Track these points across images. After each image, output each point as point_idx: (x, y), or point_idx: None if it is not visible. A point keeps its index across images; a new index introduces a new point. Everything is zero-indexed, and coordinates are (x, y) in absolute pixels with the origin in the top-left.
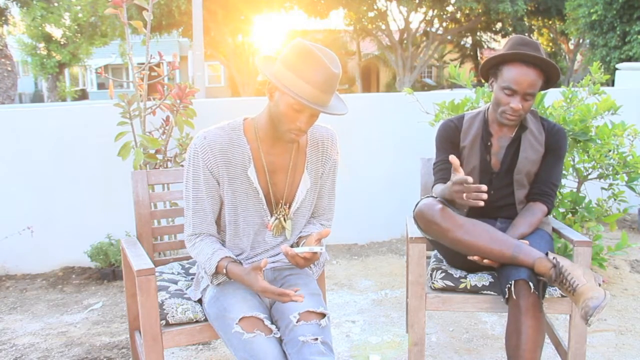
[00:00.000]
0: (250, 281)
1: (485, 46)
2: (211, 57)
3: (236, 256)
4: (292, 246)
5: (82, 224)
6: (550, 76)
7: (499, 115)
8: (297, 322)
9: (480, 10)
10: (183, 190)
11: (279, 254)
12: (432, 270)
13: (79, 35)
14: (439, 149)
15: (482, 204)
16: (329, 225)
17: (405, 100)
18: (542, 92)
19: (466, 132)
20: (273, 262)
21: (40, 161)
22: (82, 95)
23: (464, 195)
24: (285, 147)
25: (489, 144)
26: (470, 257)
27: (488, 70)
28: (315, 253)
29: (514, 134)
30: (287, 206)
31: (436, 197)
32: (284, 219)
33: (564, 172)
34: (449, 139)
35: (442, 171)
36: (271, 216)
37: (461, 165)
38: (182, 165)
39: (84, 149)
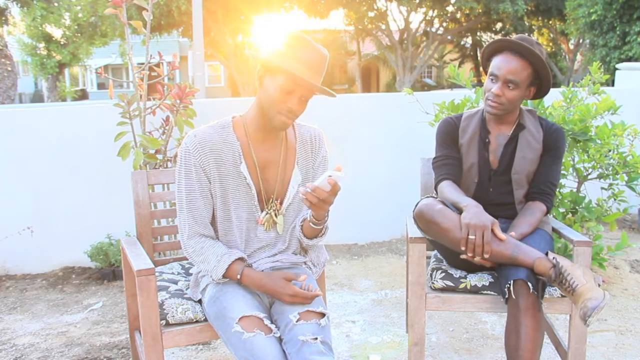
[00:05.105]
0: (278, 286)
1: None
2: (211, 57)
3: None
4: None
5: (82, 224)
6: (540, 70)
7: (485, 105)
8: (296, 322)
9: (480, 10)
10: (175, 191)
11: (277, 254)
12: (432, 270)
13: (79, 35)
14: (439, 144)
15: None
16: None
17: (405, 100)
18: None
19: (464, 129)
20: (273, 262)
21: (40, 161)
22: (82, 95)
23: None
24: (275, 143)
25: (487, 140)
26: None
27: (486, 64)
28: (336, 184)
29: (511, 132)
30: (279, 202)
31: (436, 197)
32: (275, 214)
33: (563, 172)
34: (449, 134)
35: (442, 166)
36: (262, 211)
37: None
38: None
39: (84, 149)
